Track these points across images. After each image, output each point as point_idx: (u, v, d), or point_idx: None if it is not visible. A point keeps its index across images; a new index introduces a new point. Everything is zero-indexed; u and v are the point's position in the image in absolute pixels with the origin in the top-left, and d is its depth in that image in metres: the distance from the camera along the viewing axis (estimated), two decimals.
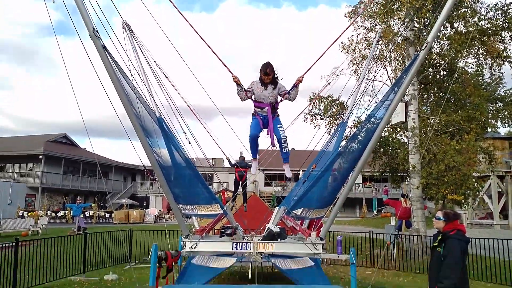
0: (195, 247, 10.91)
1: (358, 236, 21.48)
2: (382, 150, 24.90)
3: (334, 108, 25.62)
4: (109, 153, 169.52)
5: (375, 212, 55.01)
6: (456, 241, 6.95)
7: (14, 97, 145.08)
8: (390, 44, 22.13)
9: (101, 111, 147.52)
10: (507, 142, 36.45)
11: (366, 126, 12.02)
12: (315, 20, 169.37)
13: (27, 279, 13.87)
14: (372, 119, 11.61)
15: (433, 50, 23.06)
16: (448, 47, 23.05)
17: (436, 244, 7.25)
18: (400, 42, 21.60)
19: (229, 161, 17.96)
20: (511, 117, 33.05)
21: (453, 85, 22.72)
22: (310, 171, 13.28)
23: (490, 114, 31.28)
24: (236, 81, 9.67)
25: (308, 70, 10.20)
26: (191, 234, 11.54)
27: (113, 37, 9.80)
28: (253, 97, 9.77)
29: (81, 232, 24.44)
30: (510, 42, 22.73)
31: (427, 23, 21.39)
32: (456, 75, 23.14)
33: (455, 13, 21.26)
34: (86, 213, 48.30)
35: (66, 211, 49.12)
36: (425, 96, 26.21)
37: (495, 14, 22.13)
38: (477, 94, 24.08)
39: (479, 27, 21.89)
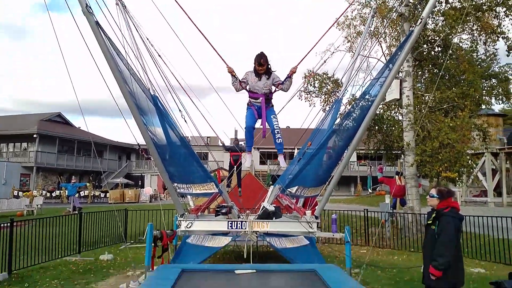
0: (190, 227, 10.90)
1: (353, 215, 21.49)
2: (376, 127, 24.92)
3: (329, 85, 25.58)
4: (103, 132, 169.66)
5: (369, 190, 55.00)
6: (450, 219, 6.96)
7: (8, 76, 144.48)
8: (385, 20, 22.06)
9: (95, 89, 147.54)
10: (501, 119, 36.42)
11: (360, 104, 12.01)
12: None
13: (23, 259, 13.86)
14: (367, 96, 11.60)
15: (427, 26, 23.04)
16: (442, 23, 23.03)
17: (430, 222, 7.27)
18: (395, 18, 21.52)
19: (223, 145, 17.97)
20: (505, 93, 33.03)
21: (448, 62, 22.71)
22: (305, 149, 13.28)
23: (484, 91, 31.23)
24: (231, 72, 9.72)
25: (301, 61, 10.23)
26: (186, 213, 11.55)
27: (106, 14, 9.76)
28: (247, 87, 9.79)
29: (76, 212, 24.44)
30: (504, 18, 22.68)
31: None
32: (450, 51, 23.12)
33: None
34: (81, 192, 48.19)
35: (61, 191, 49.06)
36: (420, 73, 26.19)
37: None
38: (472, 71, 24.03)
39: (473, 3, 21.82)
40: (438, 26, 23.76)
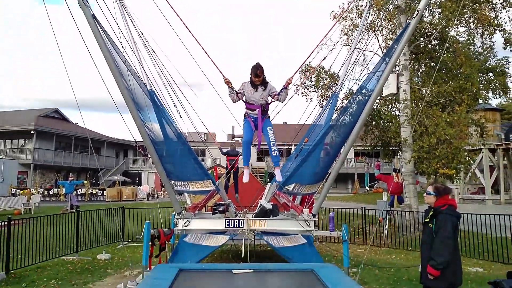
0: (187, 225, 10.86)
1: (350, 213, 21.50)
2: (374, 123, 24.89)
3: (325, 79, 25.56)
4: (101, 128, 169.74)
5: (367, 188, 55.04)
6: (447, 216, 6.91)
7: (4, 71, 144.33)
8: (381, 12, 22.03)
9: (92, 84, 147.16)
10: (498, 114, 36.26)
11: (357, 98, 11.97)
12: None
13: (20, 259, 13.82)
14: (364, 91, 11.57)
15: (424, 18, 23.04)
16: (439, 15, 23.02)
17: (428, 220, 7.21)
18: (391, 10, 21.48)
19: (220, 149, 17.96)
20: (502, 87, 33.03)
21: (445, 55, 22.69)
22: (302, 145, 13.23)
23: (481, 85, 31.24)
24: (228, 83, 9.79)
25: (296, 71, 10.30)
26: (183, 211, 11.49)
27: (103, 7, 9.70)
28: (244, 98, 9.81)
29: (74, 210, 24.39)
30: (501, 10, 22.73)
31: None
32: (447, 44, 23.10)
33: None
34: (78, 190, 48.24)
35: (59, 189, 49.04)
36: (417, 66, 26.18)
37: None
38: (469, 64, 24.05)
39: None
40: (434, 18, 23.79)
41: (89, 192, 51.06)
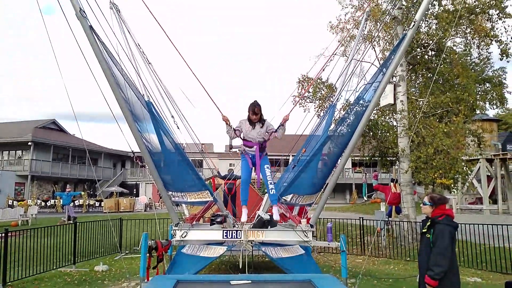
0: (185, 236, 10.85)
1: (348, 223, 21.48)
2: (371, 133, 24.93)
3: (323, 90, 25.59)
4: (98, 138, 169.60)
5: (365, 198, 54.98)
6: (445, 227, 6.93)
7: (1, 81, 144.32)
8: (378, 23, 22.09)
9: (89, 95, 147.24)
10: (495, 124, 36.42)
11: (355, 109, 12.00)
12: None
13: (17, 270, 13.79)
14: (361, 102, 11.60)
15: (421, 29, 23.15)
16: (436, 26, 23.09)
17: (425, 230, 7.23)
18: (388, 21, 21.53)
19: (218, 173, 17.96)
20: (499, 98, 33.07)
21: (441, 66, 22.76)
22: (300, 156, 13.24)
23: (478, 96, 31.27)
24: (226, 120, 9.85)
25: (292, 108, 10.33)
26: (181, 222, 11.48)
27: (101, 18, 9.72)
28: (241, 135, 9.83)
29: (71, 221, 24.37)
30: (497, 21, 22.79)
31: (415, 1, 21.37)
32: (444, 55, 23.16)
33: None
34: (76, 201, 48.15)
35: (56, 200, 49.02)
36: (414, 77, 26.23)
37: None
38: (465, 75, 24.07)
39: (466, 5, 21.89)
40: (431, 29, 23.86)
41: (87, 204, 51.00)
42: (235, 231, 10.58)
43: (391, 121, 26.21)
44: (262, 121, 9.68)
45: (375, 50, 24.96)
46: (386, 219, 21.20)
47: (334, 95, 18.87)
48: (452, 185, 20.56)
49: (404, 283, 13.41)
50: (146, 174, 63.17)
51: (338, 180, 11.68)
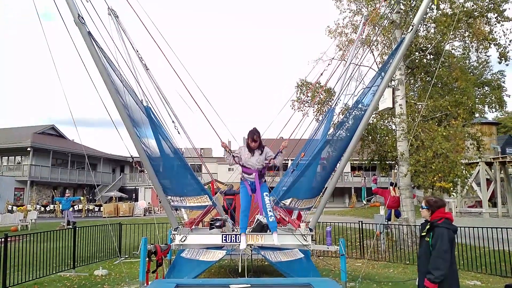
0: (184, 240, 10.87)
1: (348, 227, 21.47)
2: (370, 137, 24.92)
3: (322, 94, 25.59)
4: (97, 144, 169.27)
5: (364, 202, 54.96)
6: (444, 230, 6.92)
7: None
8: (376, 27, 22.11)
9: (88, 101, 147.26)
10: (495, 128, 36.31)
11: (353, 113, 12.02)
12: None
13: (17, 275, 13.77)
14: (360, 106, 11.62)
15: (419, 33, 23.13)
16: (434, 29, 23.10)
17: (424, 233, 7.23)
18: (386, 25, 21.53)
19: (218, 188, 18.01)
20: (498, 101, 33.09)
21: (440, 69, 22.74)
22: (299, 160, 13.25)
23: (477, 99, 31.29)
24: (225, 147, 9.99)
25: (291, 135, 10.42)
26: (180, 226, 11.51)
27: (99, 24, 9.75)
28: (240, 162, 9.84)
29: (71, 226, 24.37)
30: (496, 24, 22.80)
31: (413, 5, 21.39)
32: (442, 58, 23.16)
33: None
34: (75, 206, 48.09)
35: (55, 205, 49.00)
36: (412, 81, 26.23)
37: None
38: (464, 78, 24.11)
39: (465, 9, 21.91)
40: (430, 33, 23.88)
41: (86, 208, 50.94)
42: (234, 235, 10.61)
43: (390, 125, 26.21)
44: (261, 148, 9.71)
45: (373, 54, 25.00)
46: (386, 223, 21.16)
47: (332, 99, 18.89)
48: (451, 189, 20.55)
49: (404, 287, 13.41)
50: (145, 179, 63.16)
51: (337, 184, 11.69)
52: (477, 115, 30.91)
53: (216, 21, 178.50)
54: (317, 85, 25.55)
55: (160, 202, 35.17)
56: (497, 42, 22.89)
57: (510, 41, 23.12)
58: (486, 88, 35.04)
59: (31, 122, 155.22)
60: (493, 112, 37.68)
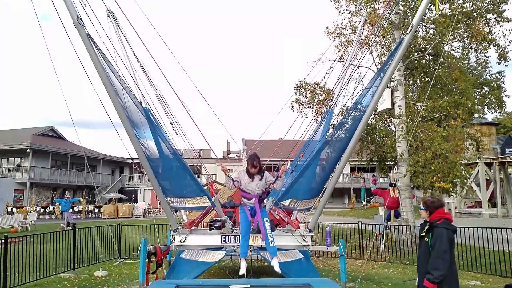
0: (184, 241, 10.89)
1: (347, 227, 21.48)
2: (369, 138, 24.92)
3: (320, 95, 25.59)
4: (96, 145, 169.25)
5: (363, 202, 54.97)
6: (443, 230, 6.93)
7: None
8: (375, 28, 22.16)
9: (87, 102, 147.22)
10: (494, 128, 36.27)
11: (352, 114, 12.03)
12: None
13: (17, 276, 13.78)
14: (359, 106, 11.63)
15: (418, 34, 23.13)
16: (433, 30, 23.11)
17: (423, 234, 7.24)
18: (385, 26, 21.54)
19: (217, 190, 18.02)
20: (497, 102, 33.08)
21: (439, 70, 22.74)
22: (298, 161, 13.26)
23: (476, 100, 31.28)
24: (225, 171, 9.97)
25: (290, 159, 10.39)
26: (180, 228, 11.53)
27: (98, 26, 9.75)
28: (240, 187, 9.76)
29: (70, 227, 24.38)
30: (495, 25, 22.82)
31: (412, 6, 21.41)
32: (441, 59, 23.17)
33: None
34: (74, 208, 48.10)
35: (55, 207, 49.02)
36: (411, 82, 26.24)
37: None
38: (463, 79, 24.12)
39: (464, 10, 21.91)
40: (429, 34, 23.90)
41: (86, 210, 50.93)
42: (233, 236, 10.63)
43: (389, 126, 26.20)
44: (261, 173, 9.64)
45: (372, 55, 25.00)
46: (385, 223, 21.18)
47: (331, 100, 18.90)
48: (451, 189, 20.56)
49: (403, 287, 13.43)
50: (144, 180, 63.13)
51: (336, 184, 11.71)
52: (476, 115, 30.89)
53: (215, 22, 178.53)
54: (316, 86, 25.58)
55: (159, 203, 35.16)
56: (496, 43, 22.90)
57: (509, 42, 23.14)
58: (486, 88, 35.02)
59: (31, 123, 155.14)
60: (492, 113, 37.73)
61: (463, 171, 20.90)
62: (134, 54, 11.61)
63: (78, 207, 50.07)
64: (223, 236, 10.75)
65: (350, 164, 59.54)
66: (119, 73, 10.26)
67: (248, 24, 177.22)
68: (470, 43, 24.32)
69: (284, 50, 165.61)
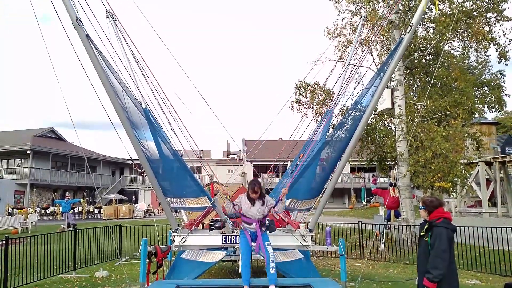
0: (184, 241, 10.90)
1: (347, 227, 21.51)
2: (369, 138, 24.93)
3: (320, 95, 25.60)
4: (96, 146, 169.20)
5: (364, 202, 54.95)
6: (442, 229, 6.93)
7: None
8: (375, 28, 22.16)
9: (87, 103, 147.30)
10: (494, 127, 36.27)
11: (352, 114, 12.03)
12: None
13: (18, 277, 13.80)
14: (359, 106, 11.62)
15: (418, 33, 23.15)
16: (433, 30, 23.12)
17: (423, 233, 7.25)
18: (385, 25, 21.53)
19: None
20: (497, 101, 33.09)
21: (439, 69, 22.75)
22: (298, 161, 13.26)
23: (476, 99, 31.28)
24: (226, 194, 10.32)
25: (289, 182, 10.41)
26: (180, 228, 11.53)
27: (97, 27, 9.75)
28: (240, 211, 9.64)
29: (71, 228, 24.40)
30: (495, 24, 22.85)
31: (411, 6, 21.41)
32: (441, 59, 23.17)
33: None
34: (75, 209, 48.09)
35: (55, 208, 49.01)
36: (411, 81, 26.24)
37: None
38: (464, 79, 24.13)
39: (464, 9, 21.93)
40: (429, 33, 23.91)
41: (86, 211, 50.95)
42: (234, 236, 10.63)
43: (389, 126, 26.21)
44: (262, 198, 9.48)
45: (372, 55, 25.01)
46: (385, 223, 21.20)
47: (331, 100, 18.91)
48: (451, 189, 20.56)
49: (403, 286, 13.44)
50: (145, 181, 63.18)
51: (336, 184, 11.72)
52: (476, 115, 30.88)
53: (215, 22, 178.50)
54: (316, 86, 25.59)
55: (160, 204, 35.18)
56: (496, 42, 22.94)
57: (509, 41, 23.16)
58: (486, 88, 35.02)
59: (31, 125, 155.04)
60: (492, 112, 37.68)
61: (463, 171, 20.90)
62: (133, 55, 11.61)
63: (78, 208, 50.06)
64: (223, 236, 10.75)
65: (350, 164, 59.59)
66: (118, 74, 10.26)
67: (248, 24, 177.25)
68: (470, 42, 24.35)
69: (284, 50, 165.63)
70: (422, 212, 7.35)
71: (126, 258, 19.34)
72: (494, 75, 36.24)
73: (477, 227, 16.69)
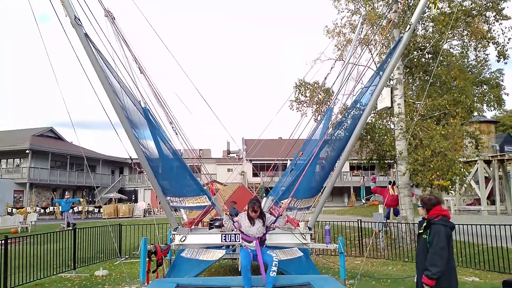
0: (184, 240, 10.91)
1: (347, 225, 21.57)
2: (369, 137, 24.94)
3: (320, 94, 25.61)
4: (96, 145, 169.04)
5: (363, 201, 55.01)
6: (441, 227, 6.97)
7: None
8: (374, 27, 22.16)
9: (86, 102, 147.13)
10: (493, 126, 36.36)
11: (352, 112, 12.03)
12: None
13: (18, 276, 13.82)
14: (358, 105, 11.63)
15: (417, 32, 23.16)
16: (432, 29, 23.14)
17: (422, 231, 7.27)
18: (384, 24, 21.55)
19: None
20: (496, 100, 33.10)
21: (438, 68, 22.76)
22: (297, 160, 13.28)
23: (475, 98, 31.29)
24: (225, 210, 10.34)
25: (290, 196, 10.46)
26: (180, 227, 11.54)
27: (96, 26, 9.75)
28: (240, 229, 9.55)
29: (71, 228, 24.40)
30: (494, 23, 22.85)
31: (411, 4, 21.43)
32: (441, 57, 23.19)
33: None
34: (75, 208, 48.09)
35: (55, 207, 49.01)
36: (411, 80, 26.25)
37: None
38: (463, 77, 24.13)
39: (463, 8, 21.94)
40: (428, 32, 23.92)
41: (86, 210, 50.95)
42: (233, 235, 10.64)
43: (389, 124, 26.25)
44: (262, 216, 9.42)
45: (371, 54, 25.03)
46: (384, 221, 21.24)
47: (331, 99, 18.94)
48: (450, 187, 20.61)
49: (402, 284, 13.47)
50: (144, 180, 63.13)
51: (336, 183, 11.72)
52: (475, 113, 30.91)
53: (215, 22, 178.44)
54: (315, 85, 25.61)
55: (159, 203, 35.19)
56: (495, 41, 22.95)
57: (508, 40, 23.18)
58: (485, 86, 34.99)
59: (30, 124, 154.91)
60: (491, 111, 37.64)
61: (462, 169, 20.97)
62: (132, 54, 11.62)
63: (78, 208, 50.10)
64: (223, 235, 10.76)
65: (349, 163, 59.57)
66: (117, 73, 10.27)
67: (248, 24, 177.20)
68: (469, 41, 24.36)
69: (284, 49, 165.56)
70: (421, 210, 7.38)
71: (126, 257, 19.36)
72: (493, 74, 36.24)
73: (476, 224, 16.77)
